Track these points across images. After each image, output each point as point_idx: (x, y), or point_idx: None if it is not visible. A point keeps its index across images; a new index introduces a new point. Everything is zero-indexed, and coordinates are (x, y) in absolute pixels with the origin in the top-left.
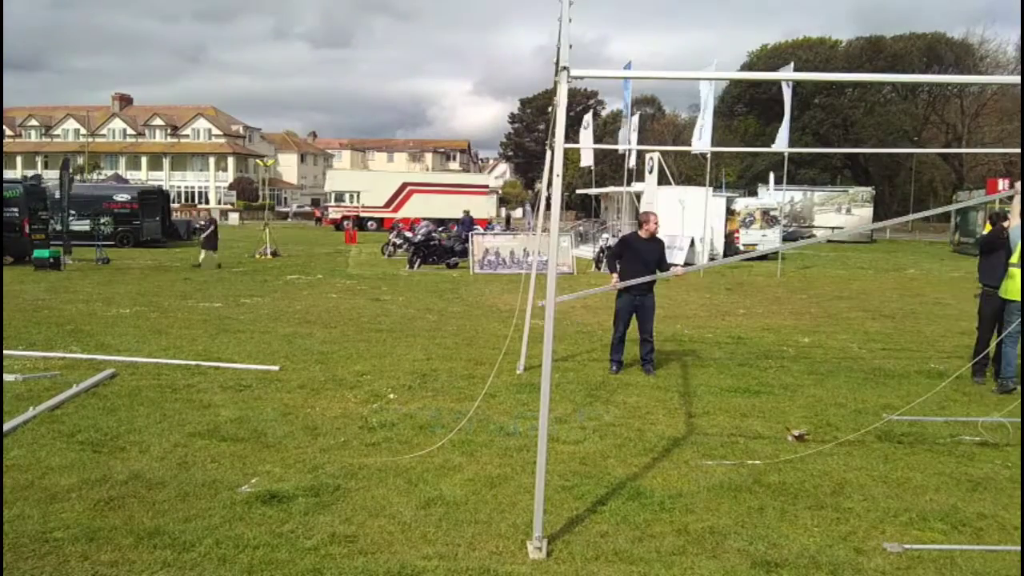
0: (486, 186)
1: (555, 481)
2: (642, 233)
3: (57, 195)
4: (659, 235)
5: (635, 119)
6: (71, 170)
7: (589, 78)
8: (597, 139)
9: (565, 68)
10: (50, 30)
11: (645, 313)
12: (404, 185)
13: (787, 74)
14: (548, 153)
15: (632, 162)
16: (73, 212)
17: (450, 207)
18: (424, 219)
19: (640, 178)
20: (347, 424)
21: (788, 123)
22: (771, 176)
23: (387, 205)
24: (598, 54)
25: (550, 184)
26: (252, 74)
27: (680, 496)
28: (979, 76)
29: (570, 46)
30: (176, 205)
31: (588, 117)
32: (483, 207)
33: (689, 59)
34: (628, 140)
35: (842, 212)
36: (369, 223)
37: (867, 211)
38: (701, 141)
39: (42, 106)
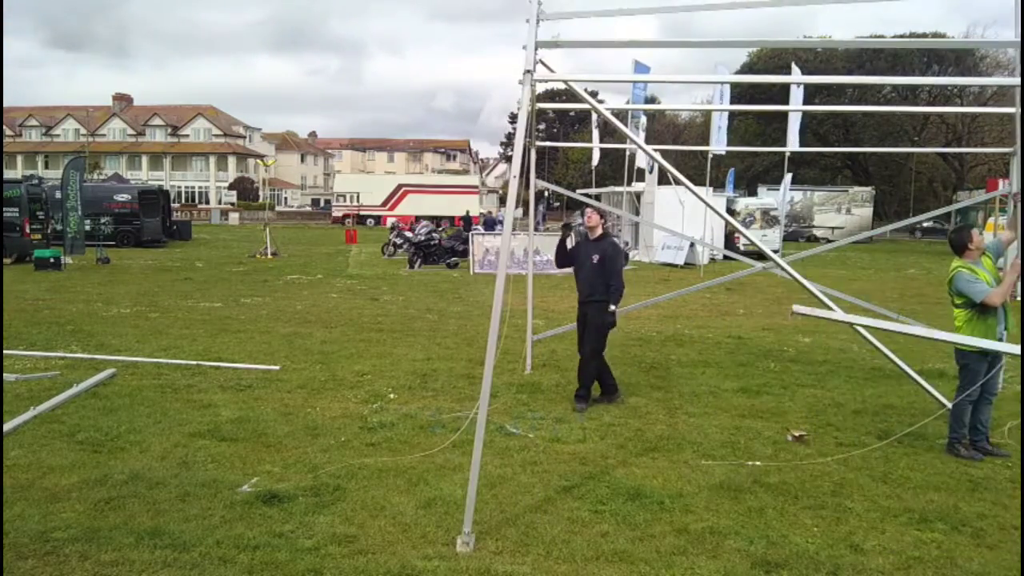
0: (476, 187)
1: (555, 481)
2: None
3: (58, 195)
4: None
5: (643, 119)
6: (81, 170)
7: (553, 80)
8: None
9: (528, 72)
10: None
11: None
12: (399, 186)
13: (788, 77)
14: (520, 152)
15: (641, 162)
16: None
17: (441, 206)
18: (421, 217)
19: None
20: (347, 424)
21: (798, 123)
22: (787, 176)
23: (384, 204)
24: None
25: (528, 185)
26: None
27: (680, 496)
28: (978, 78)
29: (536, 48)
30: (176, 205)
31: (597, 117)
32: (475, 206)
33: None
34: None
35: (842, 212)
36: (368, 220)
37: (867, 211)
38: (718, 142)
39: (42, 106)
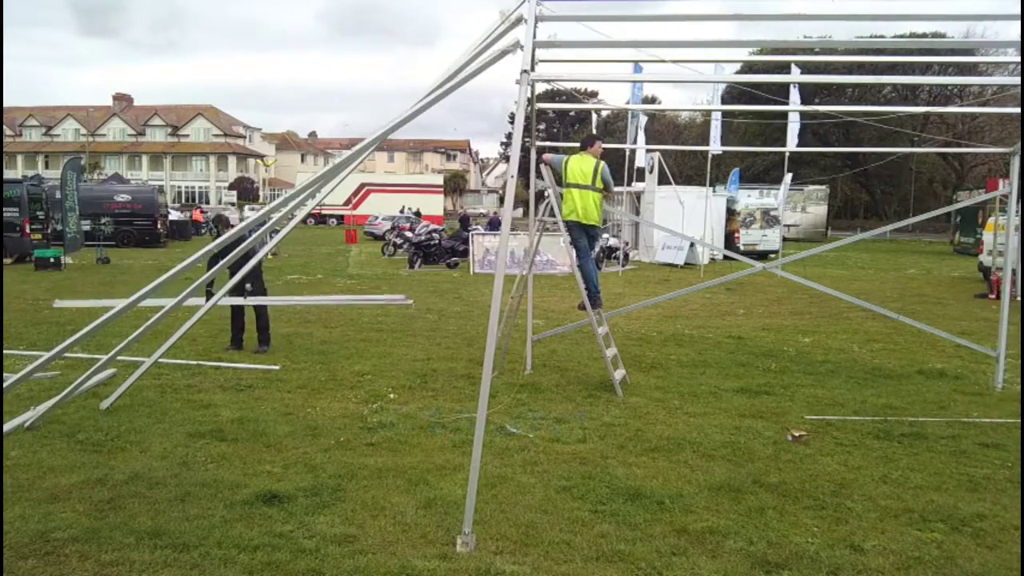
0: (440, 186)
1: (555, 481)
2: None
3: (58, 195)
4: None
5: (643, 119)
6: (78, 171)
7: (554, 81)
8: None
9: (526, 72)
10: None
11: None
12: (362, 185)
13: (787, 76)
14: (518, 152)
15: (641, 161)
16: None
17: (403, 205)
18: (388, 216)
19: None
20: (347, 424)
21: (798, 123)
22: (787, 176)
23: (347, 203)
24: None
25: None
26: None
27: (680, 496)
28: (978, 78)
29: (533, 49)
30: (176, 205)
31: (597, 118)
32: (437, 206)
33: None
34: (635, 139)
35: (797, 210)
36: (330, 220)
37: (822, 208)
38: (715, 143)
39: (42, 106)
